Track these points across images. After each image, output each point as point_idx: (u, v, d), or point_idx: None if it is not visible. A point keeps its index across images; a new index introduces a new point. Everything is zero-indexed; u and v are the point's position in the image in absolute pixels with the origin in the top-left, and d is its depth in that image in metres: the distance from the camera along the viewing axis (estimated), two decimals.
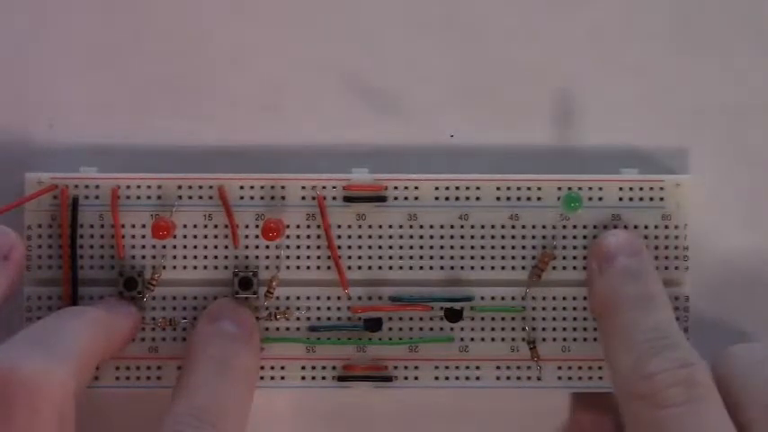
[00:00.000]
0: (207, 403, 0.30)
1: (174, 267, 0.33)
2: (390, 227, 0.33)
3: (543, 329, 0.34)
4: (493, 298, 0.34)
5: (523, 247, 0.33)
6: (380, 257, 0.33)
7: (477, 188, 0.33)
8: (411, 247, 0.33)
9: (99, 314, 0.31)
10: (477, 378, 0.34)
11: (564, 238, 0.33)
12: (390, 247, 0.33)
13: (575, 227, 0.33)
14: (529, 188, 0.33)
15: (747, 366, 0.30)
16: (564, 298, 0.34)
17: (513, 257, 0.33)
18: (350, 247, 0.33)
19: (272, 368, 0.33)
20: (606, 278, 0.31)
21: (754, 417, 0.28)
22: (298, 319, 0.33)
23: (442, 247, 0.33)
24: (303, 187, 0.33)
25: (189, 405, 0.29)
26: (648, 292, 0.31)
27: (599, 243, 0.32)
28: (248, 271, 0.33)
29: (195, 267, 0.33)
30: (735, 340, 0.33)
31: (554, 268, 0.33)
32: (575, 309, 0.34)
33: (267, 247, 0.33)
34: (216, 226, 0.33)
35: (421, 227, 0.33)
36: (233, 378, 0.30)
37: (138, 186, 0.33)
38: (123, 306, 0.33)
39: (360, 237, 0.33)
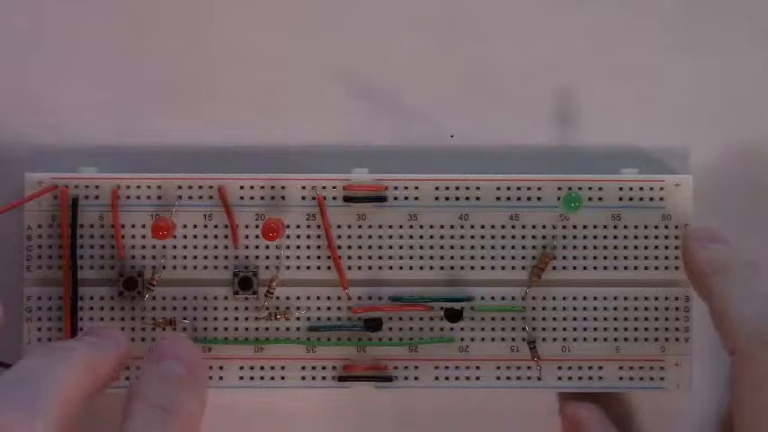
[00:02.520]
0: None
1: (174, 267, 0.33)
2: (390, 227, 0.33)
3: (543, 329, 0.34)
4: (493, 298, 0.34)
5: (523, 247, 0.33)
6: (380, 257, 0.33)
7: (477, 188, 0.33)
8: (411, 247, 0.33)
9: (84, 356, 0.29)
10: (477, 378, 0.34)
11: (564, 238, 0.33)
12: (390, 247, 0.33)
13: (575, 227, 0.33)
14: (529, 188, 0.33)
15: None
16: (564, 298, 0.34)
17: (513, 257, 0.33)
18: (350, 247, 0.33)
19: (272, 368, 0.33)
20: (713, 249, 0.32)
21: None
22: (298, 319, 0.33)
23: (442, 247, 0.33)
24: (303, 187, 0.33)
25: None
26: (756, 262, 0.31)
27: (698, 228, 0.33)
28: (248, 271, 0.33)
29: (195, 267, 0.33)
30: None
31: (554, 268, 0.33)
32: (575, 309, 0.34)
33: (267, 247, 0.33)
34: (216, 226, 0.33)
35: (421, 227, 0.33)
36: (175, 426, 0.28)
37: (138, 186, 0.33)
38: (110, 337, 0.31)
39: (360, 237, 0.33)
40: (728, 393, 0.29)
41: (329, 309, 0.33)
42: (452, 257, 0.33)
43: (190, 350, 0.31)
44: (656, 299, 0.34)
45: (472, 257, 0.33)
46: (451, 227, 0.33)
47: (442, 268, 0.33)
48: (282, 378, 0.33)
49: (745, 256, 0.31)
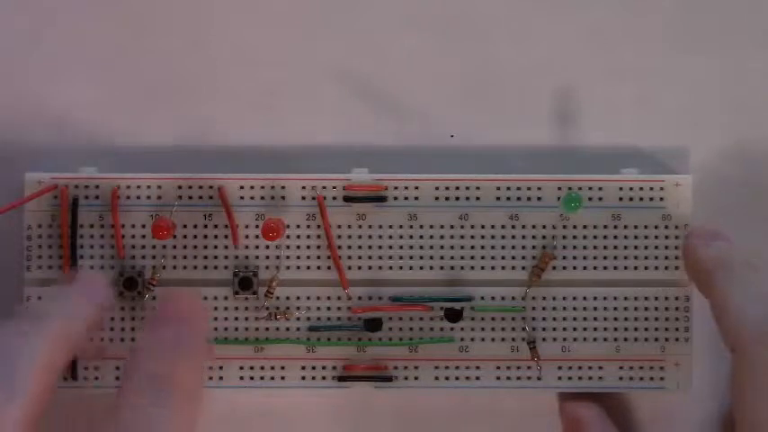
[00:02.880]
0: (141, 429, 0.26)
1: (174, 267, 0.33)
2: (390, 227, 0.33)
3: (543, 329, 0.34)
4: (493, 298, 0.34)
5: (523, 247, 0.33)
6: (380, 257, 0.33)
7: (477, 188, 0.33)
8: (411, 247, 0.33)
9: (57, 322, 0.27)
10: (477, 378, 0.34)
11: (564, 238, 0.33)
12: (390, 247, 0.33)
13: (575, 227, 0.33)
14: (529, 188, 0.33)
15: None
16: (564, 298, 0.34)
17: (513, 257, 0.33)
18: (350, 247, 0.33)
19: (272, 368, 0.33)
20: (715, 246, 0.31)
21: None
22: (298, 319, 0.33)
23: (442, 247, 0.33)
24: (303, 187, 0.33)
25: None
26: (759, 261, 0.31)
27: (699, 225, 0.33)
28: (248, 271, 0.33)
29: (195, 267, 0.33)
30: None
31: (554, 268, 0.33)
32: (575, 309, 0.34)
33: (267, 247, 0.33)
34: (216, 226, 0.33)
35: (421, 227, 0.33)
36: (171, 399, 0.27)
37: (138, 186, 0.33)
38: (87, 285, 0.30)
39: (360, 237, 0.33)
40: (728, 391, 0.29)
41: (329, 309, 0.33)
42: (452, 257, 0.33)
43: (194, 311, 0.29)
44: (656, 299, 0.34)
45: (472, 257, 0.33)
46: (451, 227, 0.33)
47: (442, 268, 0.33)
48: (282, 378, 0.33)
49: (746, 256, 0.31)
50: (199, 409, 0.27)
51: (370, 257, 0.33)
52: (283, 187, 0.33)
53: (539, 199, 0.33)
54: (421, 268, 0.33)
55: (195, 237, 0.33)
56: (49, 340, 0.27)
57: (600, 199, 0.33)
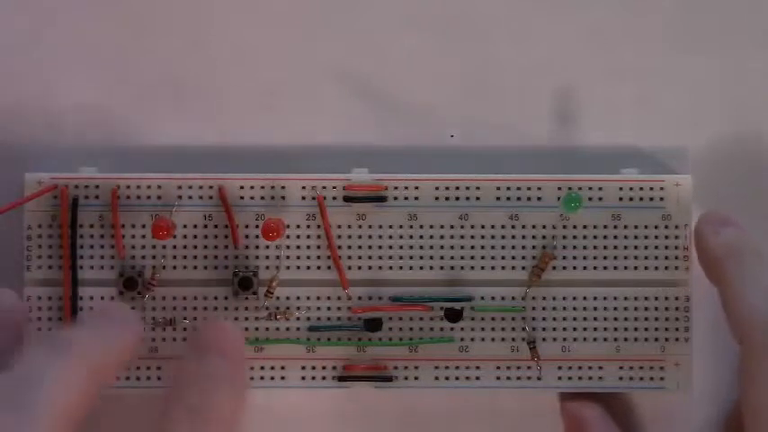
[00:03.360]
0: None
1: (174, 267, 0.33)
2: (390, 227, 0.33)
3: (543, 329, 0.34)
4: (493, 298, 0.34)
5: (523, 247, 0.33)
6: (380, 257, 0.33)
7: (477, 188, 0.33)
8: (411, 247, 0.33)
9: (85, 349, 0.27)
10: (477, 378, 0.34)
11: (564, 238, 0.33)
12: (390, 247, 0.33)
13: (575, 227, 0.33)
14: (529, 188, 0.33)
15: None
16: (564, 298, 0.34)
17: (513, 257, 0.33)
18: (350, 247, 0.33)
19: (272, 368, 0.33)
20: (725, 235, 0.31)
21: None
22: (298, 319, 0.33)
23: (442, 247, 0.33)
24: (303, 187, 0.33)
25: None
26: (763, 251, 0.31)
27: (710, 211, 0.33)
28: (248, 271, 0.33)
29: (195, 267, 0.33)
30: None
31: (554, 268, 0.33)
32: (575, 309, 0.34)
33: (267, 247, 0.33)
34: (216, 226, 0.33)
35: (421, 227, 0.33)
36: (210, 428, 0.27)
37: (138, 186, 0.33)
38: (117, 318, 0.29)
39: (360, 237, 0.33)
40: (737, 384, 0.29)
41: (329, 309, 0.33)
42: (452, 257, 0.33)
43: (234, 343, 0.29)
44: (656, 299, 0.34)
45: (472, 257, 0.33)
46: (451, 227, 0.33)
47: (442, 268, 0.33)
48: (282, 378, 0.33)
49: (756, 244, 0.31)
50: None
51: (370, 257, 0.33)
52: (283, 187, 0.33)
53: (539, 199, 0.33)
54: (421, 268, 0.33)
55: (195, 237, 0.33)
56: (73, 371, 0.26)
57: (600, 199, 0.33)
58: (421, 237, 0.33)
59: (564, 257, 0.33)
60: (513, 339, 0.34)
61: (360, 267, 0.33)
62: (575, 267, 0.33)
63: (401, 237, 0.33)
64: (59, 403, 0.25)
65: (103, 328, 0.28)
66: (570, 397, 0.33)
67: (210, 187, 0.33)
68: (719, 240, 0.31)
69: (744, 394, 0.29)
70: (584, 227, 0.33)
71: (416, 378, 0.34)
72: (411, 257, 0.33)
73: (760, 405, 0.28)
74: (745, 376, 0.29)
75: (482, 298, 0.33)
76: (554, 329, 0.34)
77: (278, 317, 0.33)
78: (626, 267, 0.33)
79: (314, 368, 0.33)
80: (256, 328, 0.33)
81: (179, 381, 0.28)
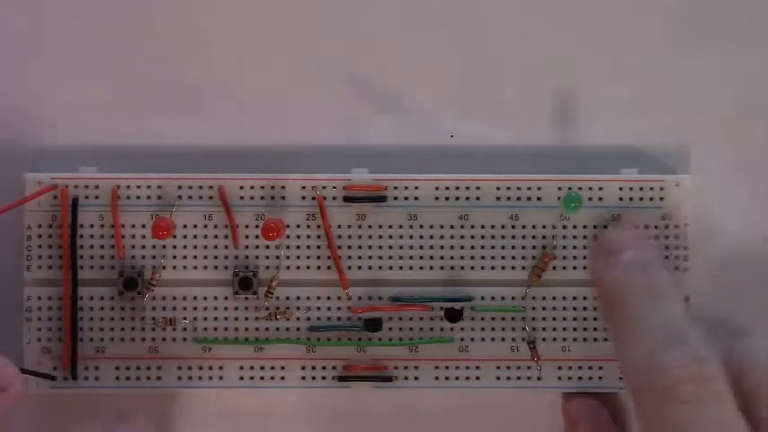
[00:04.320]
0: None
1: (174, 267, 0.33)
2: (390, 227, 0.33)
3: (543, 329, 0.34)
4: (493, 298, 0.34)
5: (523, 247, 0.33)
6: (380, 257, 0.33)
7: (477, 188, 0.33)
8: (411, 247, 0.33)
9: None
10: (477, 378, 0.34)
11: (564, 238, 0.33)
12: (390, 247, 0.33)
13: (575, 227, 0.33)
14: (529, 188, 0.33)
15: (762, 363, 0.29)
16: (564, 298, 0.34)
17: (513, 257, 0.33)
18: (350, 247, 0.33)
19: (272, 368, 0.33)
20: (613, 272, 0.30)
21: (766, 417, 0.28)
22: (298, 319, 0.33)
23: (442, 247, 0.33)
24: (303, 187, 0.33)
25: None
26: (657, 283, 0.30)
27: (603, 239, 0.32)
28: (248, 271, 0.33)
29: (195, 267, 0.33)
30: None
31: (554, 268, 0.33)
32: (575, 309, 0.34)
33: (267, 247, 0.33)
34: (216, 226, 0.33)
35: (421, 227, 0.33)
36: None
37: (138, 186, 0.33)
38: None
39: (360, 237, 0.33)
40: None
41: (329, 309, 0.33)
42: (452, 257, 0.33)
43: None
44: None
45: (472, 257, 0.33)
46: (451, 227, 0.33)
47: (442, 268, 0.33)
48: (282, 378, 0.33)
49: (646, 278, 0.30)
50: None
51: (370, 257, 0.33)
52: (283, 187, 0.33)
53: (539, 199, 0.33)
54: (421, 268, 0.33)
55: (195, 237, 0.33)
56: None
57: (600, 199, 0.33)
58: (421, 237, 0.33)
59: (564, 257, 0.33)
60: (513, 339, 0.34)
61: (360, 267, 0.33)
62: (575, 267, 0.33)
63: (401, 237, 0.33)
64: None
65: None
66: (572, 395, 0.33)
67: (210, 187, 0.33)
68: (608, 280, 0.30)
69: None
70: (584, 227, 0.33)
71: (416, 378, 0.34)
72: (411, 257, 0.33)
73: None
74: None
75: (482, 298, 0.33)
76: (554, 329, 0.34)
77: (278, 317, 0.33)
78: None
79: (314, 368, 0.33)
80: (256, 328, 0.33)
81: None
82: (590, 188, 0.33)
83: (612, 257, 0.31)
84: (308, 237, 0.33)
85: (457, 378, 0.34)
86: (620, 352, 0.29)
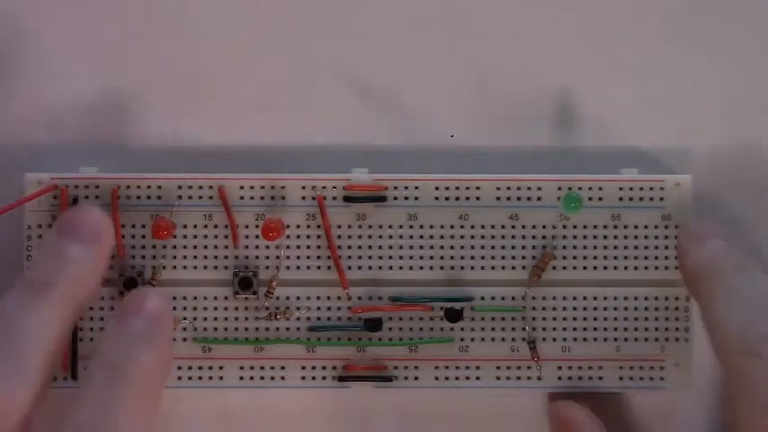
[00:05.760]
0: (90, 419, 0.26)
1: (174, 267, 0.33)
2: (390, 227, 0.33)
3: (543, 329, 0.34)
4: (493, 298, 0.34)
5: (523, 247, 0.33)
6: (380, 257, 0.33)
7: (477, 188, 0.33)
8: (411, 247, 0.33)
9: (62, 288, 0.28)
10: (477, 378, 0.34)
11: (564, 238, 0.33)
12: (390, 247, 0.33)
13: (575, 227, 0.33)
14: (529, 188, 0.33)
15: None
16: (564, 298, 0.34)
17: (513, 257, 0.33)
18: (350, 247, 0.33)
19: (273, 368, 0.33)
20: (702, 251, 0.31)
21: None
22: (298, 319, 0.33)
23: (442, 247, 0.33)
24: (303, 187, 0.33)
25: (73, 422, 0.27)
26: (746, 261, 0.31)
27: (693, 227, 0.32)
28: (248, 271, 0.33)
29: (195, 267, 0.33)
30: None
31: (554, 268, 0.33)
32: (575, 309, 0.34)
33: (267, 247, 0.33)
34: (216, 226, 0.33)
35: (421, 227, 0.33)
36: (126, 385, 0.27)
37: (138, 186, 0.33)
38: (88, 231, 0.29)
39: (360, 237, 0.33)
40: (725, 410, 0.29)
41: (329, 309, 0.34)
42: (452, 257, 0.33)
43: (155, 304, 0.29)
44: (656, 299, 0.34)
45: (472, 257, 0.33)
46: (451, 227, 0.33)
47: (441, 268, 0.33)
48: (282, 378, 0.33)
49: (735, 257, 0.31)
50: (155, 407, 0.28)
51: (369, 257, 0.33)
52: (283, 187, 0.33)
53: (539, 199, 0.33)
54: (421, 268, 0.33)
55: (195, 237, 0.33)
56: (56, 312, 0.27)
57: (600, 199, 0.33)
58: (421, 237, 0.33)
59: (564, 257, 0.33)
60: (513, 339, 0.34)
61: (360, 267, 0.33)
62: (575, 267, 0.33)
63: (401, 237, 0.33)
64: (43, 345, 0.27)
65: (71, 250, 0.29)
66: (557, 398, 0.33)
67: (210, 187, 0.33)
68: (698, 259, 0.31)
69: (730, 418, 0.28)
70: (584, 227, 0.33)
71: (416, 378, 0.34)
72: (411, 257, 0.33)
73: (746, 429, 0.28)
74: (729, 399, 0.28)
75: (482, 298, 0.33)
76: (554, 329, 0.34)
77: (278, 317, 0.33)
78: (626, 267, 0.33)
79: (314, 368, 0.33)
80: (256, 328, 0.33)
81: (103, 339, 0.28)
82: (590, 188, 0.33)
83: (701, 242, 0.31)
84: (308, 237, 0.33)
85: (457, 378, 0.34)
86: (716, 319, 0.29)
